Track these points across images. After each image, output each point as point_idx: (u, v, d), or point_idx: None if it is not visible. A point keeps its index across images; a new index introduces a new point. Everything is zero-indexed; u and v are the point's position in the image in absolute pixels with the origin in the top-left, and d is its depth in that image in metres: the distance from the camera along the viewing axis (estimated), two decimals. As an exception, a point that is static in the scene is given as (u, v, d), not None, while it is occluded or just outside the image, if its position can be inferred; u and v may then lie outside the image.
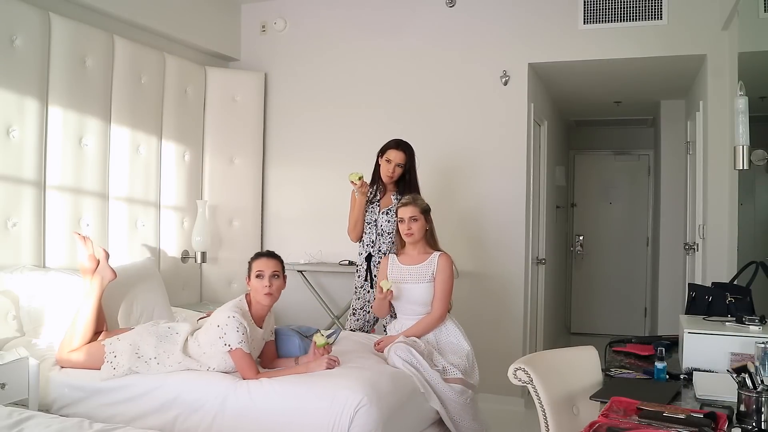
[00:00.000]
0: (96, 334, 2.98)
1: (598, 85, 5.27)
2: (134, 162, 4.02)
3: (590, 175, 7.52)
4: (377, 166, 3.65)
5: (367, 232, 3.61)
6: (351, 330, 3.58)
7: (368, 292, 3.58)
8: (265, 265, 2.82)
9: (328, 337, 2.90)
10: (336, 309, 4.67)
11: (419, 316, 3.13)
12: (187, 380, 2.70)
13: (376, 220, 3.59)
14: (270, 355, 2.96)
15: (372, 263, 3.57)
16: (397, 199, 3.57)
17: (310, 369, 2.75)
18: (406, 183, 3.59)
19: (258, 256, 2.91)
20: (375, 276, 3.50)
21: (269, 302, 2.82)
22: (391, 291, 3.07)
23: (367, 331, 3.61)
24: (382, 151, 3.62)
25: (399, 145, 3.60)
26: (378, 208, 3.60)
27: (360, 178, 3.51)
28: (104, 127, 3.79)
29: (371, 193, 3.63)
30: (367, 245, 3.61)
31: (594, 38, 4.26)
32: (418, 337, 3.06)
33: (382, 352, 3.03)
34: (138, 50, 4.04)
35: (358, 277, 3.64)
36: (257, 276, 2.81)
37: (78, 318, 2.97)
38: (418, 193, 3.55)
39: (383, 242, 3.57)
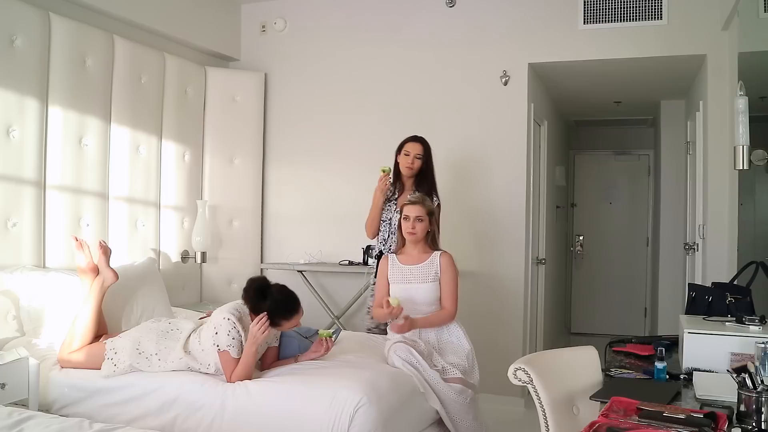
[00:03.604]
0: (97, 338, 2.98)
1: (598, 85, 5.26)
2: (134, 162, 4.02)
3: (590, 175, 7.52)
4: (396, 164, 3.66)
5: (381, 230, 3.62)
6: (368, 329, 3.58)
7: None
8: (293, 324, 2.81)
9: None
10: (336, 309, 4.67)
11: (421, 315, 3.10)
12: (187, 381, 2.70)
13: (390, 219, 3.60)
14: (271, 359, 2.96)
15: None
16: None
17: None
18: (423, 178, 3.61)
19: (292, 313, 2.76)
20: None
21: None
22: (401, 308, 2.97)
23: (383, 329, 3.60)
24: (400, 148, 3.65)
25: (416, 138, 3.65)
26: (394, 206, 3.62)
27: (385, 172, 3.54)
28: (104, 127, 3.79)
29: (390, 191, 3.65)
30: (380, 243, 3.62)
31: (594, 38, 4.26)
32: (430, 327, 3.07)
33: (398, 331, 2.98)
34: (138, 50, 4.04)
35: (374, 275, 3.62)
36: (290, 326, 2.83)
37: (78, 320, 2.97)
38: (435, 189, 3.59)
39: (395, 240, 3.56)
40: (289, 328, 2.81)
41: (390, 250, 3.56)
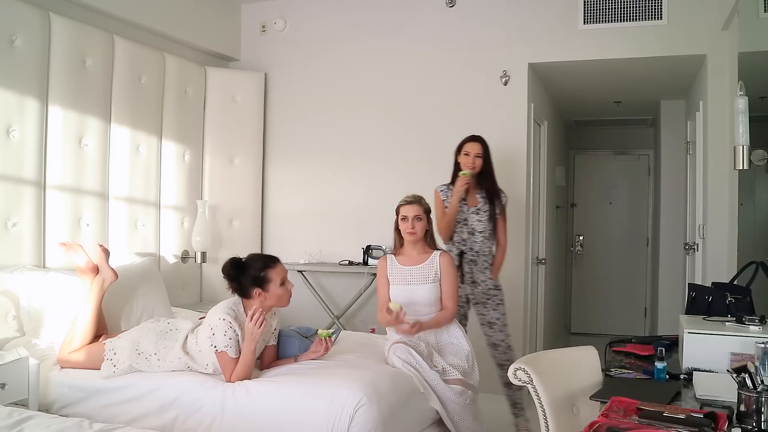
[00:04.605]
0: (96, 337, 2.98)
1: (598, 85, 5.27)
2: (134, 162, 4.02)
3: (590, 175, 7.51)
4: (456, 165, 3.66)
5: (458, 231, 3.59)
6: None
7: (458, 287, 3.55)
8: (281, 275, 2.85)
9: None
10: (336, 309, 4.67)
11: (422, 315, 3.10)
12: (186, 381, 2.70)
13: (466, 219, 3.59)
14: (270, 358, 2.97)
15: (464, 260, 3.56)
16: (482, 197, 3.61)
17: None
18: (486, 176, 3.62)
19: (274, 262, 2.86)
20: (466, 273, 3.54)
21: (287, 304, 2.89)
22: (403, 311, 2.98)
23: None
24: (459, 149, 3.66)
25: (474, 137, 3.65)
26: (466, 207, 3.60)
27: (467, 175, 3.53)
28: (104, 127, 3.79)
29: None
30: (458, 243, 3.59)
31: (594, 38, 4.26)
32: (436, 328, 3.08)
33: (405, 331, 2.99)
34: (138, 50, 4.04)
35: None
36: (282, 284, 2.83)
37: (78, 320, 2.97)
38: (496, 184, 3.64)
39: (475, 241, 3.57)
40: (281, 282, 2.80)
41: (472, 249, 3.56)
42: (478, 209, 3.60)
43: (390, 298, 3.14)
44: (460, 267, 3.55)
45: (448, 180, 3.71)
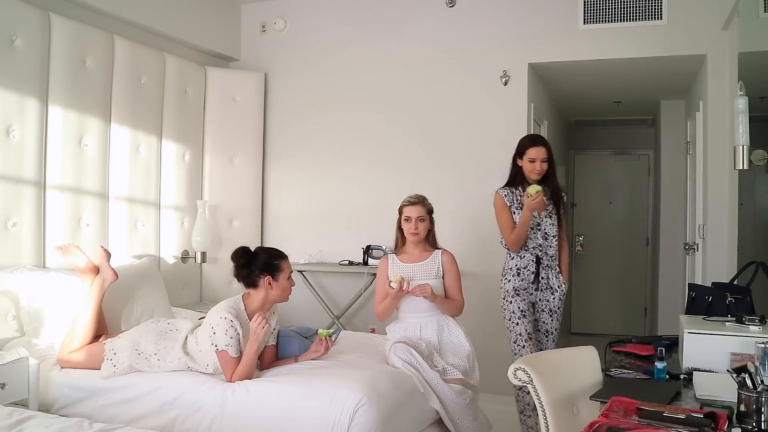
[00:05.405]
0: (96, 337, 2.98)
1: (598, 85, 5.26)
2: (134, 162, 4.02)
3: (590, 175, 7.52)
4: (517, 169, 3.46)
5: (532, 237, 3.42)
6: (524, 334, 3.42)
7: (531, 294, 3.42)
8: (290, 267, 2.94)
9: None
10: (336, 309, 4.67)
11: (424, 314, 3.10)
12: (187, 381, 2.70)
13: (539, 224, 3.41)
14: (269, 358, 2.97)
15: (541, 265, 3.40)
16: (548, 198, 3.41)
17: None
18: (551, 178, 3.44)
19: (285, 255, 2.96)
20: (542, 279, 3.38)
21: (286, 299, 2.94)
22: (406, 281, 3.02)
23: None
24: (520, 153, 3.44)
25: (535, 140, 3.45)
26: (537, 211, 3.39)
27: (539, 192, 3.30)
28: (104, 127, 3.79)
29: (520, 195, 3.42)
30: (533, 249, 3.40)
31: (594, 38, 4.26)
32: (443, 308, 3.11)
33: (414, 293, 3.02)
34: (138, 50, 4.04)
35: (521, 280, 3.41)
36: (288, 278, 2.88)
37: (78, 319, 2.97)
38: (559, 186, 3.49)
39: (549, 245, 3.40)
40: (290, 273, 2.88)
41: (547, 254, 3.41)
42: (549, 213, 3.43)
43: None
44: (536, 273, 3.39)
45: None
